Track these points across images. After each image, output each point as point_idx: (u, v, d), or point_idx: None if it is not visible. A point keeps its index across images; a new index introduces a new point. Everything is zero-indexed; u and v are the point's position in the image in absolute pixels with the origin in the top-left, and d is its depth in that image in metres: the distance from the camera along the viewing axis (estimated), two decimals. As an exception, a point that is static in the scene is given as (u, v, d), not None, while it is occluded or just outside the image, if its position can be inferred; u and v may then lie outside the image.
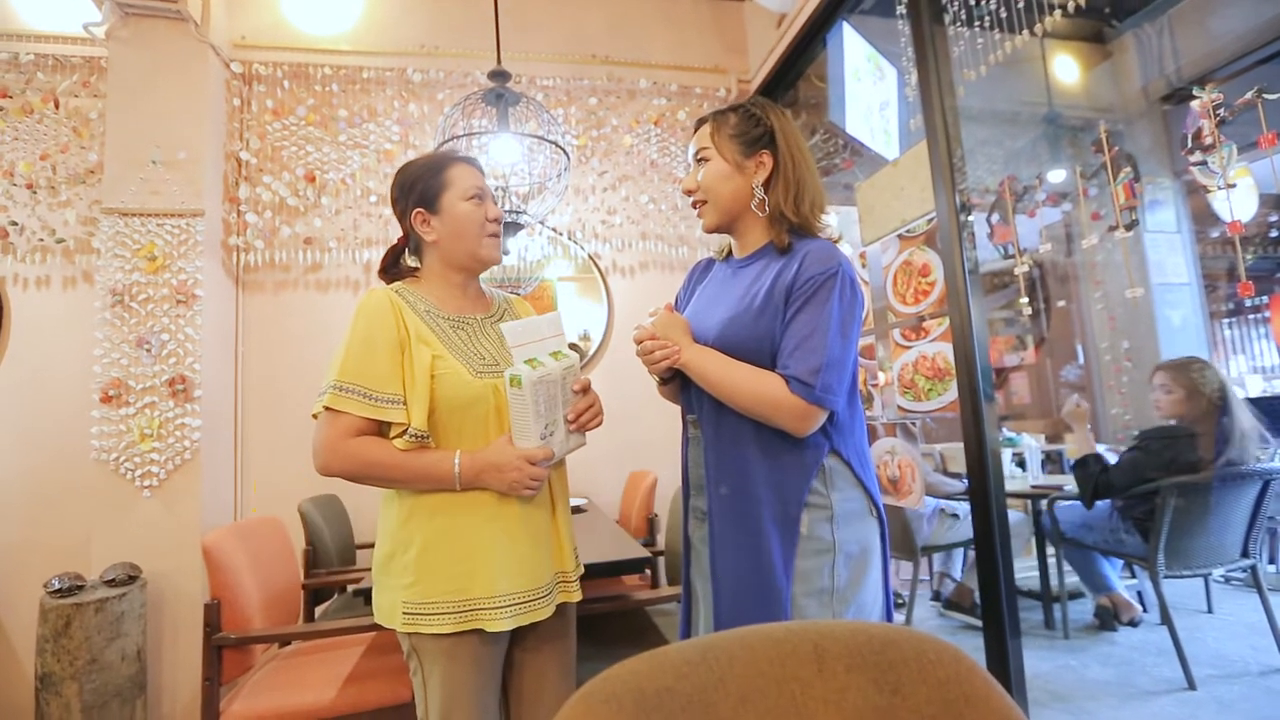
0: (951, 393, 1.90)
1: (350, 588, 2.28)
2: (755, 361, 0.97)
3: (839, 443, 0.98)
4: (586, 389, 1.10)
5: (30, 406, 2.36)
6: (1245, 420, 2.14)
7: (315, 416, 1.01)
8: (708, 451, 1.03)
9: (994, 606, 1.73)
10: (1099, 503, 2.35)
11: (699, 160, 1.07)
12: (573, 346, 1.12)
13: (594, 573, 1.45)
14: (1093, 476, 2.30)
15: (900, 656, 0.55)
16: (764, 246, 1.07)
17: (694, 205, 1.10)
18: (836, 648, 0.56)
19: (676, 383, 1.10)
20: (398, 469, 0.99)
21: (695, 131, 1.11)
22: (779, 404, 0.92)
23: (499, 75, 2.19)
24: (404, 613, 0.99)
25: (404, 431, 0.99)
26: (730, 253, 1.15)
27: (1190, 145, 1.24)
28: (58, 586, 1.97)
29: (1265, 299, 5.48)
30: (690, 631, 1.10)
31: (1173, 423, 2.23)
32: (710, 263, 1.20)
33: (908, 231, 2.07)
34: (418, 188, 1.11)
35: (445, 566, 1.00)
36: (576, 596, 1.13)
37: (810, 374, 0.91)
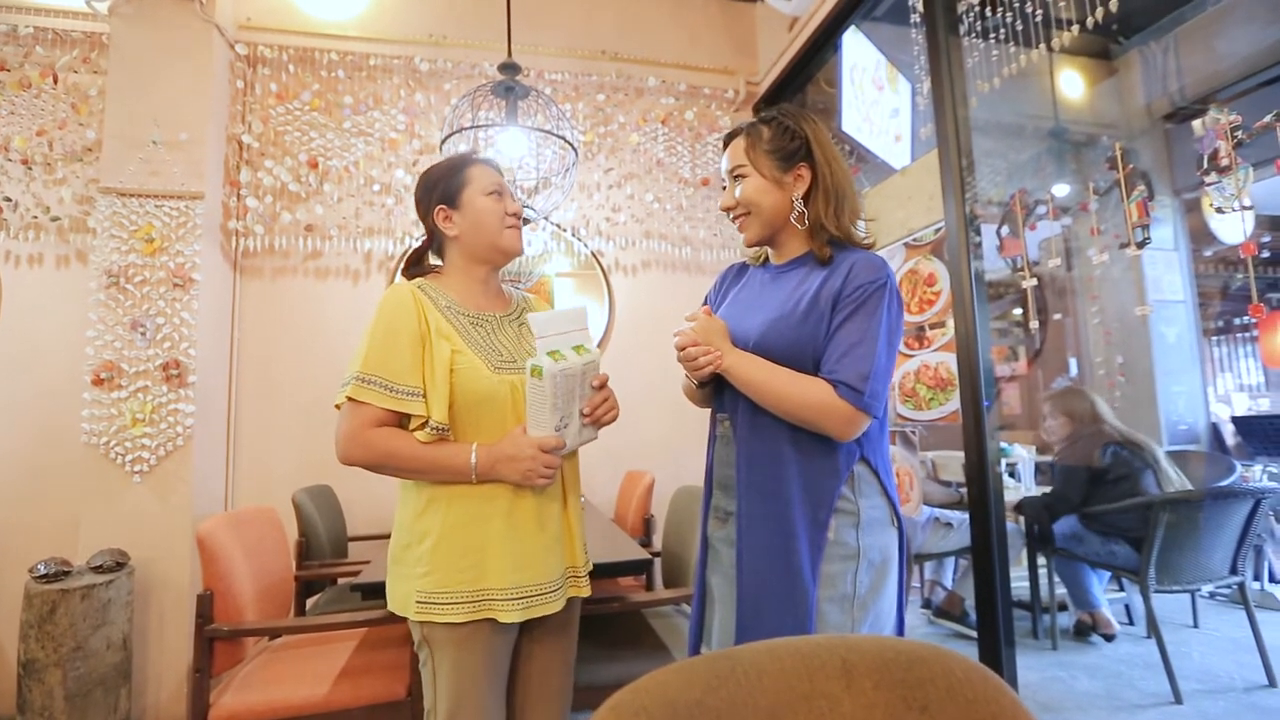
0: (953, 403, 1.91)
1: (341, 580, 2.26)
2: (795, 367, 0.97)
3: (869, 451, 0.99)
4: (604, 384, 1.12)
5: (19, 387, 2.32)
6: (1118, 424, 2.55)
7: (338, 407, 1.04)
8: (739, 451, 1.02)
9: (989, 616, 1.74)
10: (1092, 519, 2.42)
11: (735, 177, 1.07)
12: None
13: (594, 573, 1.44)
14: (1040, 507, 2.52)
15: (928, 674, 0.55)
16: (803, 254, 1.07)
17: (735, 219, 1.09)
18: (864, 663, 0.55)
19: (710, 387, 1.10)
20: (416, 460, 1.01)
21: (726, 145, 1.10)
22: (827, 409, 0.92)
23: (509, 68, 2.17)
24: (418, 602, 1.02)
25: (424, 424, 1.02)
26: (766, 258, 1.15)
27: (1206, 166, 1.25)
28: (44, 572, 1.93)
29: (1254, 318, 5.55)
30: (703, 632, 1.09)
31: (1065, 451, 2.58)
32: (744, 267, 1.20)
33: (914, 240, 2.07)
34: (439, 186, 1.14)
35: (460, 557, 1.02)
36: (586, 591, 1.15)
37: (860, 380, 0.92)
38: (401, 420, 1.04)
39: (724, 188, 1.11)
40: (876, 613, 0.97)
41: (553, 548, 1.08)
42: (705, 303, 1.22)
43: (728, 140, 1.11)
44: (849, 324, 0.95)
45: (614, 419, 1.13)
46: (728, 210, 1.09)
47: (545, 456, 1.01)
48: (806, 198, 1.04)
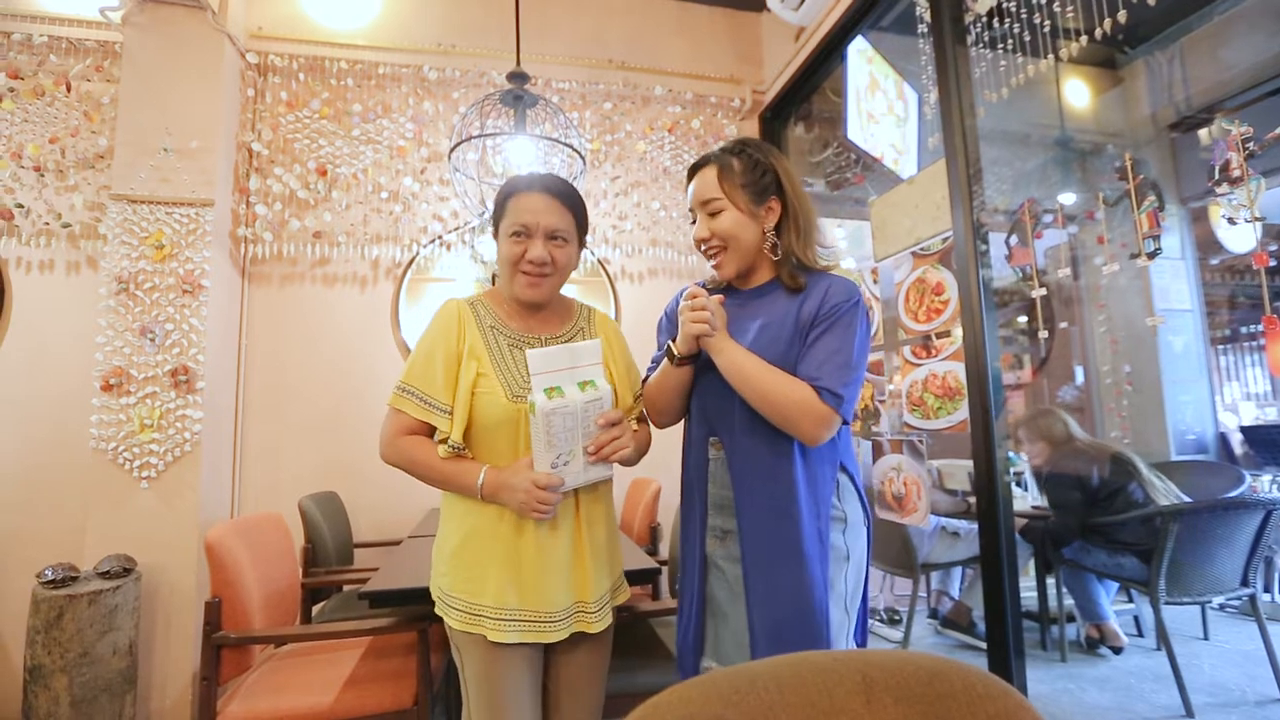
0: (961, 412, 1.90)
1: (347, 588, 2.26)
2: None
3: (845, 458, 1.06)
4: (615, 423, 1.07)
5: (29, 392, 2.33)
6: (1094, 440, 2.58)
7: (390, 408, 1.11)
8: (736, 474, 1.05)
9: (999, 627, 1.73)
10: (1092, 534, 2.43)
11: (710, 211, 1.08)
12: None
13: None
14: (1043, 533, 2.51)
15: (949, 689, 0.54)
16: (770, 280, 1.10)
17: (710, 253, 1.10)
18: (884, 678, 0.55)
19: (687, 378, 1.10)
20: (434, 471, 1.07)
21: (693, 176, 1.11)
22: (808, 408, 0.96)
23: (518, 77, 2.18)
24: (436, 597, 1.11)
25: (446, 439, 1.06)
26: (728, 285, 1.15)
27: (1218, 177, 1.25)
28: (51, 577, 1.94)
29: (1260, 328, 5.53)
30: (704, 643, 1.10)
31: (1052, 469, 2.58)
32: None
33: (922, 249, 2.07)
34: (494, 214, 1.16)
35: (467, 568, 1.07)
36: (593, 629, 1.11)
37: (842, 386, 0.97)
38: (433, 430, 1.09)
39: (692, 222, 1.12)
40: (862, 610, 1.05)
41: (555, 580, 1.07)
42: (665, 323, 1.21)
43: (694, 171, 1.11)
44: (827, 336, 0.99)
45: (624, 458, 1.09)
46: (703, 243, 1.09)
47: (539, 493, 1.00)
48: (778, 229, 1.08)
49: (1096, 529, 2.40)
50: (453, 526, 1.09)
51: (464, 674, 1.08)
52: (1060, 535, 2.49)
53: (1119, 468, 2.40)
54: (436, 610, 1.10)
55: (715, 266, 1.11)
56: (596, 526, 1.13)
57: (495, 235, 1.16)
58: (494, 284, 1.25)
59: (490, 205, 1.34)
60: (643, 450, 1.18)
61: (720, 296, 1.08)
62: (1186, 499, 2.38)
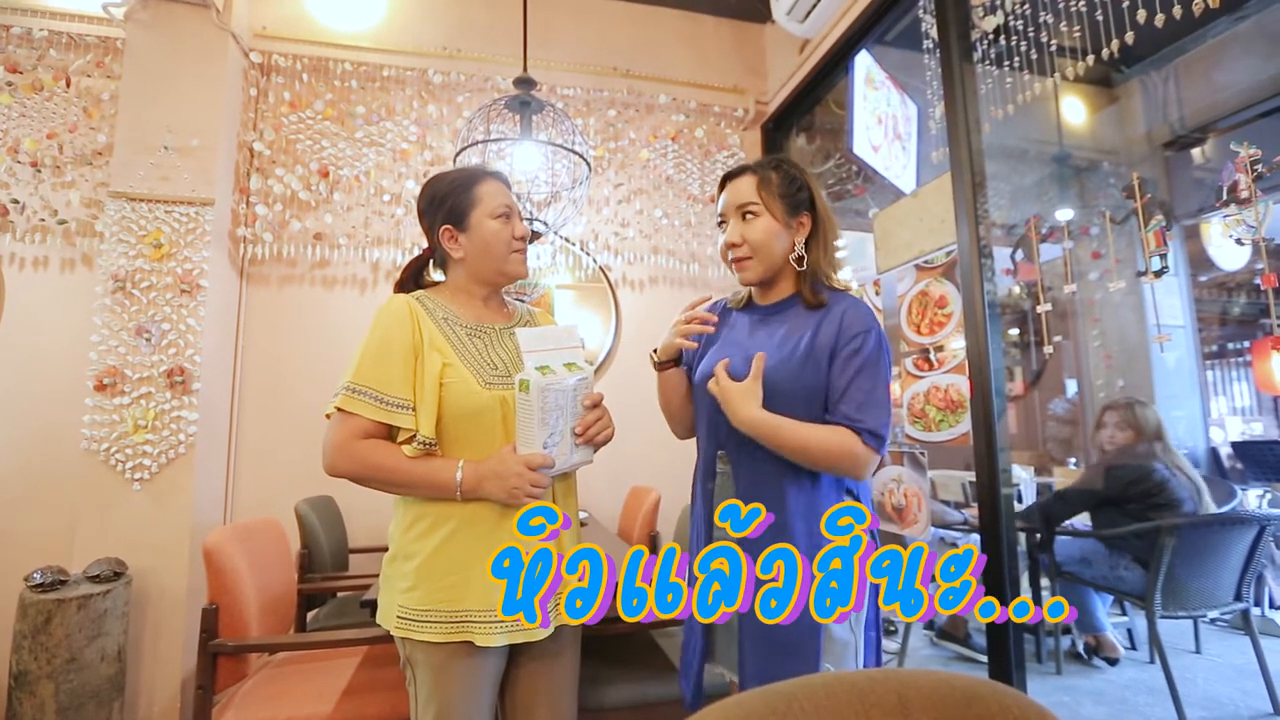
0: (963, 425, 1.91)
1: (341, 594, 2.23)
2: (798, 406, 1.01)
3: (850, 482, 1.05)
4: (598, 404, 1.09)
5: (20, 391, 2.28)
6: (1175, 450, 2.43)
7: (328, 416, 1.02)
8: (741, 490, 1.06)
9: (1000, 639, 1.73)
10: (1096, 542, 2.43)
11: (745, 215, 1.08)
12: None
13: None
14: (1037, 510, 2.55)
15: (986, 712, 0.54)
16: (790, 297, 1.10)
17: (736, 260, 1.10)
18: (921, 700, 0.54)
19: (675, 383, 1.15)
20: (401, 474, 1.00)
21: (729, 181, 1.11)
22: (855, 456, 0.98)
23: (524, 82, 2.18)
24: (398, 617, 1.01)
25: (412, 438, 1.00)
26: (748, 300, 1.17)
27: (1225, 198, 1.27)
28: (39, 580, 1.89)
29: (1247, 344, 5.63)
30: (710, 647, 1.12)
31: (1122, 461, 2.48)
32: (724, 309, 1.21)
33: (926, 262, 2.09)
34: (447, 203, 1.12)
35: (442, 576, 1.00)
36: (575, 620, 1.09)
37: (882, 426, 0.99)
38: (390, 433, 1.03)
39: (720, 224, 1.12)
40: (873, 633, 1.03)
41: None
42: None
43: (730, 178, 1.11)
44: (861, 375, 0.99)
45: (608, 439, 1.10)
46: (732, 247, 1.09)
47: (532, 475, 0.98)
48: (807, 245, 1.09)
49: (1113, 535, 2.39)
50: (415, 538, 1.02)
51: (421, 691, 1.01)
52: (1057, 510, 2.48)
53: (1188, 487, 2.36)
54: (396, 634, 1.01)
55: (740, 270, 1.10)
56: (569, 515, 1.12)
57: (456, 227, 1.11)
58: (420, 284, 1.19)
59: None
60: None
61: (761, 357, 1.05)
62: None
